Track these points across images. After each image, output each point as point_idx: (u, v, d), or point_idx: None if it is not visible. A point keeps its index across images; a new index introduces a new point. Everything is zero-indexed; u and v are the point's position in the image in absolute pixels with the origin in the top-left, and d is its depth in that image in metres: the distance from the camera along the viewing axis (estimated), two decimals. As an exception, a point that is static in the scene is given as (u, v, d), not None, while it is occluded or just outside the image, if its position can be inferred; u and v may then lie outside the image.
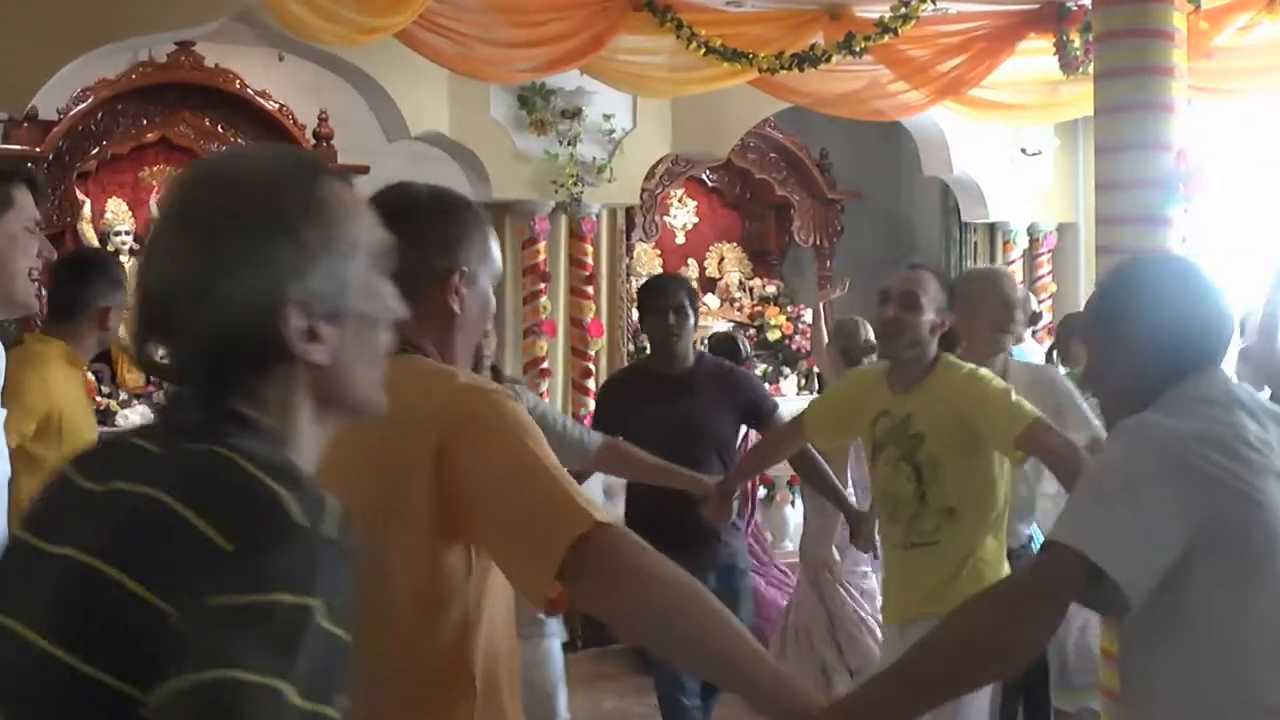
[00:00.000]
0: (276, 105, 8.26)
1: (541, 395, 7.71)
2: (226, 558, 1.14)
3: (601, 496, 4.59)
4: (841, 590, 5.84)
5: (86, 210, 7.96)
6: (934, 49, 7.12)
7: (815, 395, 7.61)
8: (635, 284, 9.32)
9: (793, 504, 8.49)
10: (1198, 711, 2.23)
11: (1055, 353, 6.71)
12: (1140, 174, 4.86)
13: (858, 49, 6.63)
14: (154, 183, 8.35)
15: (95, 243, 7.99)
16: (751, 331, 9.62)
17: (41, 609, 1.19)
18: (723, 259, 10.12)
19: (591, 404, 7.79)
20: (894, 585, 4.15)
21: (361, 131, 8.16)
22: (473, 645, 2.00)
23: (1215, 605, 2.19)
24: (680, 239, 10.07)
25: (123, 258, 8.09)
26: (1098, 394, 2.86)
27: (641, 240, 9.61)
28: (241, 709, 1.09)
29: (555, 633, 5.08)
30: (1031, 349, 7.09)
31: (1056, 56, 6.90)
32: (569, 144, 8.14)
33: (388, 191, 2.17)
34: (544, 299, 8.19)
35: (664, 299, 4.84)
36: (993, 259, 9.77)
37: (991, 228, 9.76)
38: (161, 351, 1.33)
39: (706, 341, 7.45)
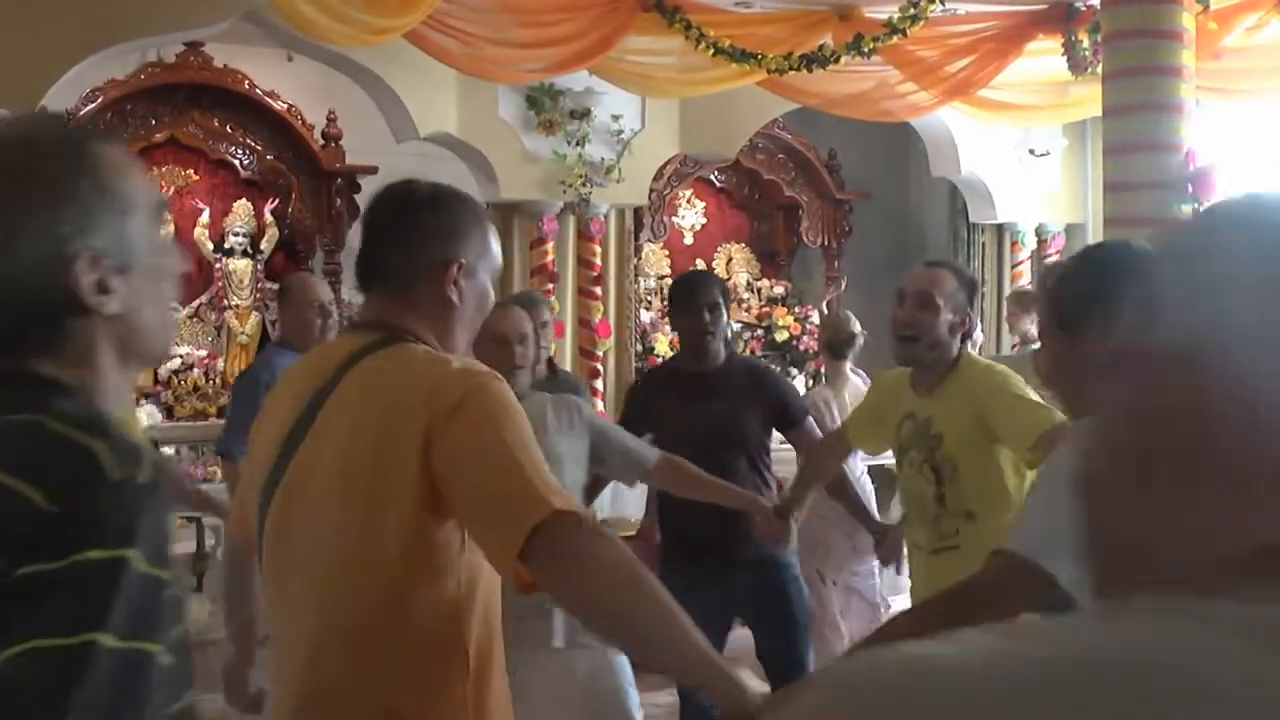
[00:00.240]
0: (285, 105, 8.27)
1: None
2: (47, 518, 1.19)
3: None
4: (832, 594, 5.85)
5: (95, 210, 7.97)
6: (942, 50, 7.12)
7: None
8: (643, 285, 9.34)
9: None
10: None
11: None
12: (1149, 175, 4.86)
13: (866, 50, 6.64)
14: (162, 183, 8.36)
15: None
16: (760, 332, 9.62)
17: None
18: (731, 260, 10.12)
19: (599, 405, 7.80)
20: (919, 591, 4.11)
21: (370, 132, 8.17)
22: (467, 620, 2.06)
23: None
24: (688, 239, 10.07)
25: (132, 258, 8.13)
26: (1060, 392, 2.75)
27: (650, 241, 9.62)
28: (41, 677, 1.15)
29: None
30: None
31: (1065, 57, 6.89)
32: (577, 144, 8.14)
33: (391, 186, 2.25)
34: (552, 299, 8.19)
35: (697, 296, 4.69)
36: (1000, 260, 9.77)
37: (1000, 228, 9.76)
38: None
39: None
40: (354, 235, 8.62)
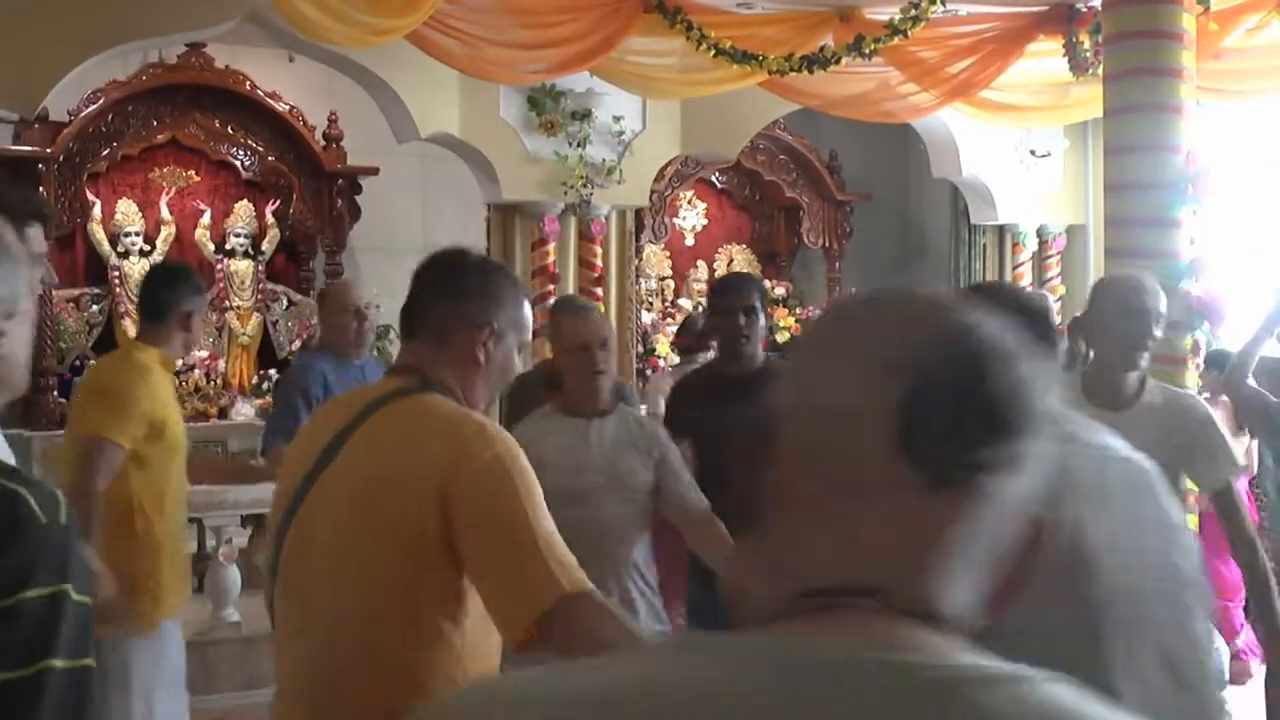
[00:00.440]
0: (287, 106, 8.29)
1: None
2: None
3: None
4: None
5: (97, 211, 8.00)
6: (944, 51, 7.11)
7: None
8: (644, 286, 9.35)
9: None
10: None
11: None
12: (1150, 175, 4.86)
13: (867, 51, 6.64)
14: (164, 184, 8.38)
15: (105, 243, 8.02)
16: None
17: None
18: (732, 261, 10.12)
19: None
20: None
21: (372, 133, 8.18)
22: (456, 657, 2.20)
23: None
24: (689, 240, 10.08)
25: (132, 258, 8.13)
26: None
27: (651, 242, 9.63)
28: (13, 706, 1.34)
29: None
30: None
31: (1066, 58, 6.89)
32: (578, 145, 8.14)
33: (447, 250, 2.49)
34: (553, 300, 8.19)
35: (736, 298, 4.59)
36: (1002, 261, 9.77)
37: (1001, 229, 9.76)
38: None
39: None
40: (355, 236, 8.65)
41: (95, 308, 8.08)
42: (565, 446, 3.75)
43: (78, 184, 7.73)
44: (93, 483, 3.69)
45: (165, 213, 8.26)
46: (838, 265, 9.83)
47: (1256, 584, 3.59)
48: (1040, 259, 9.80)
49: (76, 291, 8.01)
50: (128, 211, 8.16)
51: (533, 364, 6.02)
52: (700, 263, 10.05)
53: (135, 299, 8.11)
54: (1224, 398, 5.65)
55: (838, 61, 6.80)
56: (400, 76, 7.46)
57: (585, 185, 8.15)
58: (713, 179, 10.02)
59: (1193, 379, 5.31)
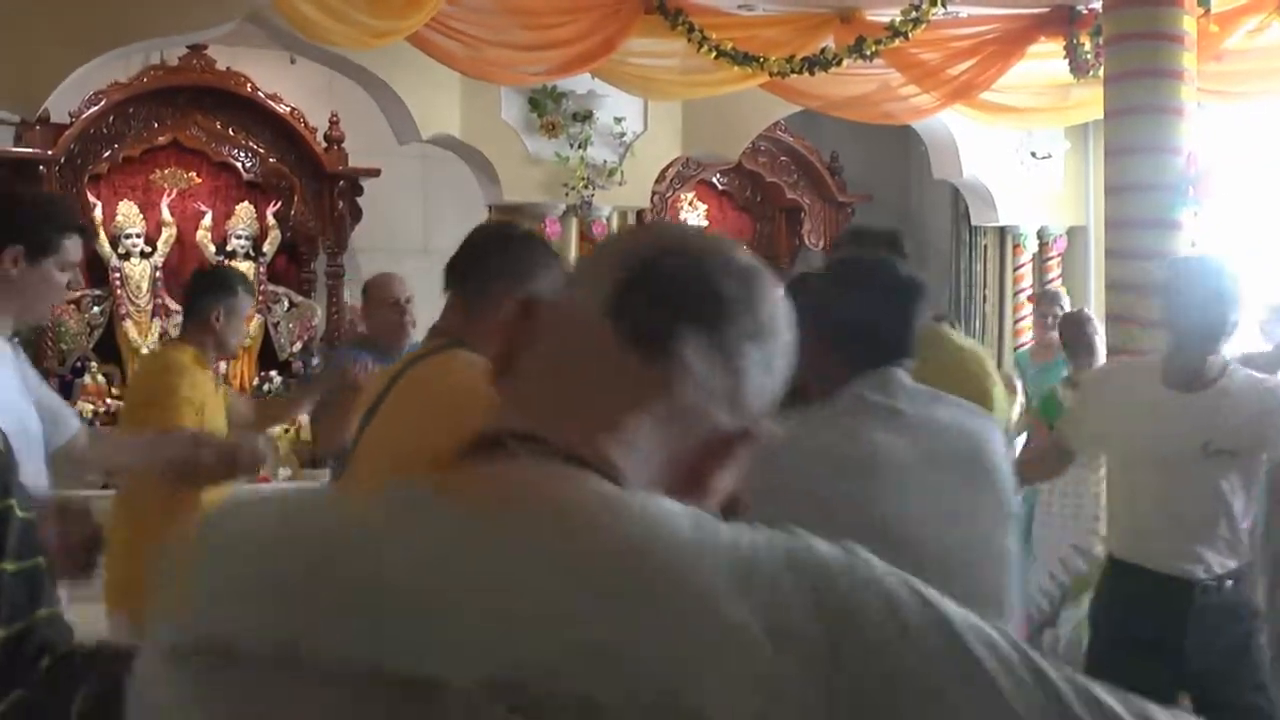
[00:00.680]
0: (288, 108, 8.29)
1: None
2: None
3: None
4: None
5: (98, 213, 7.99)
6: (944, 52, 7.12)
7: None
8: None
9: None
10: None
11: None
12: (1150, 177, 4.86)
13: (868, 52, 6.64)
14: (165, 185, 8.38)
15: (106, 245, 8.02)
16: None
17: None
18: (733, 262, 10.11)
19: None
20: None
21: (373, 134, 8.19)
22: None
23: None
24: (690, 242, 10.07)
25: (133, 260, 8.13)
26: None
27: (652, 243, 9.62)
28: None
29: None
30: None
31: (1067, 60, 6.89)
32: (580, 147, 8.15)
33: (500, 221, 2.73)
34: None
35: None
36: (1002, 262, 9.77)
37: (1001, 231, 9.75)
38: None
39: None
40: (356, 237, 8.65)
41: (96, 309, 8.07)
42: None
43: (79, 186, 7.72)
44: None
45: (166, 214, 8.26)
46: (838, 267, 9.81)
47: None
48: (1041, 260, 9.80)
49: (77, 293, 7.99)
50: (129, 213, 8.16)
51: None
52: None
53: (135, 300, 8.15)
54: None
55: (839, 63, 6.80)
56: (401, 78, 7.46)
57: (586, 186, 8.16)
58: (714, 180, 10.01)
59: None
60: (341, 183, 8.40)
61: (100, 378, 7.81)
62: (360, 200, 8.51)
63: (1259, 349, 5.38)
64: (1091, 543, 6.30)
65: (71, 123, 7.58)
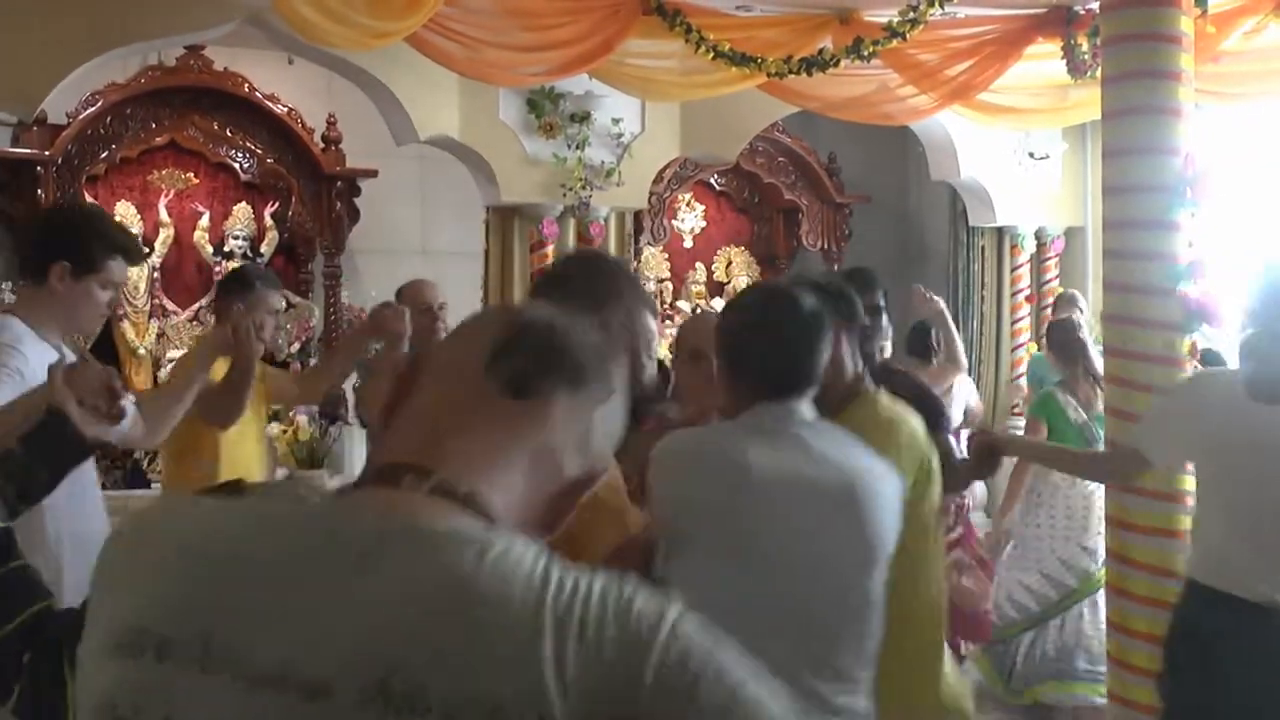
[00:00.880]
0: (285, 109, 8.28)
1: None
2: None
3: None
4: None
5: (96, 213, 7.97)
6: (942, 53, 7.11)
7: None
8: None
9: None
10: None
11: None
12: (1148, 178, 4.85)
13: (866, 53, 6.64)
14: (163, 186, 8.38)
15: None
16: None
17: None
18: (730, 263, 10.12)
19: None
20: None
21: (370, 135, 8.18)
22: None
23: None
24: (688, 243, 10.08)
25: (132, 261, 8.12)
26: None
27: (649, 244, 9.63)
28: None
29: None
30: None
31: (1064, 61, 6.89)
32: (577, 148, 8.15)
33: (590, 249, 2.73)
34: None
35: (861, 297, 4.05)
36: (1000, 263, 9.78)
37: (999, 232, 9.76)
38: None
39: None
40: (354, 238, 8.65)
41: (94, 310, 8.07)
42: None
43: (76, 186, 7.71)
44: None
45: (164, 215, 8.26)
46: (836, 267, 9.81)
47: None
48: (1039, 261, 9.81)
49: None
50: (126, 214, 8.15)
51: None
52: (699, 265, 10.04)
53: (132, 301, 8.14)
54: None
55: (836, 64, 6.79)
56: (399, 79, 7.46)
57: (584, 187, 8.15)
58: (711, 181, 10.01)
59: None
60: (339, 184, 8.40)
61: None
62: (358, 201, 8.50)
63: None
64: (1079, 555, 6.34)
65: (69, 123, 7.58)
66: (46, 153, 7.37)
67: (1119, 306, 4.95)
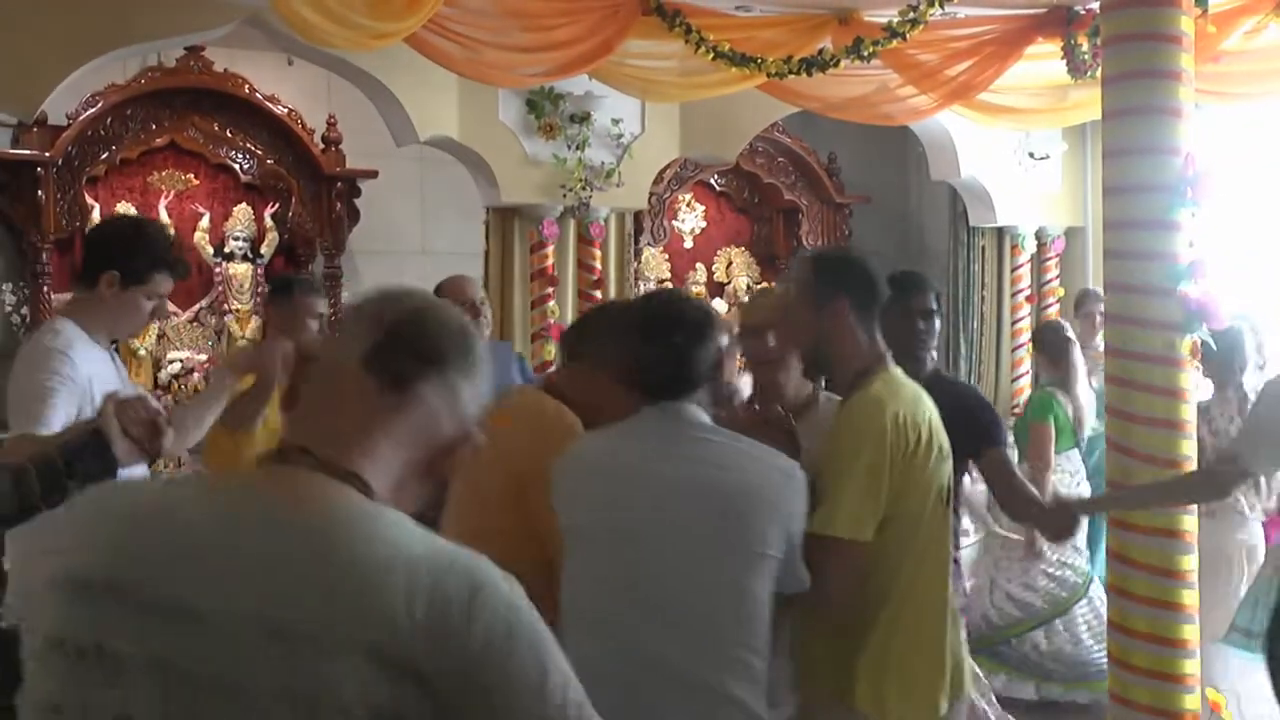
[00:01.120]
0: (285, 110, 8.28)
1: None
2: None
3: None
4: None
5: (96, 215, 7.97)
6: (942, 53, 7.11)
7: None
8: (643, 289, 9.34)
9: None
10: None
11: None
12: (1148, 178, 4.84)
13: (866, 54, 6.63)
14: (163, 187, 8.38)
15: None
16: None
17: None
18: (731, 263, 10.12)
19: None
20: None
21: (370, 136, 8.18)
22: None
23: None
24: (688, 243, 10.08)
25: (132, 262, 8.12)
26: None
27: (649, 244, 9.63)
28: None
29: None
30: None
31: (1064, 61, 6.89)
32: (577, 148, 8.15)
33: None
34: (552, 303, 8.20)
35: (916, 299, 4.10)
36: (1000, 263, 9.78)
37: (999, 232, 9.76)
38: None
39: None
40: (354, 239, 8.64)
41: (94, 311, 8.06)
42: None
43: (76, 188, 7.71)
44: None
45: (164, 216, 8.25)
46: (836, 268, 9.80)
47: None
48: (1039, 261, 9.81)
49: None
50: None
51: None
52: (699, 265, 10.04)
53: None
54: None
55: (836, 64, 6.79)
56: (399, 80, 7.46)
57: (584, 188, 8.15)
58: (711, 181, 10.01)
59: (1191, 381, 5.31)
60: (339, 184, 8.40)
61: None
62: (358, 202, 8.50)
63: None
64: (1074, 556, 6.34)
65: (69, 125, 7.57)
66: (47, 154, 7.36)
67: (1119, 306, 4.94)
